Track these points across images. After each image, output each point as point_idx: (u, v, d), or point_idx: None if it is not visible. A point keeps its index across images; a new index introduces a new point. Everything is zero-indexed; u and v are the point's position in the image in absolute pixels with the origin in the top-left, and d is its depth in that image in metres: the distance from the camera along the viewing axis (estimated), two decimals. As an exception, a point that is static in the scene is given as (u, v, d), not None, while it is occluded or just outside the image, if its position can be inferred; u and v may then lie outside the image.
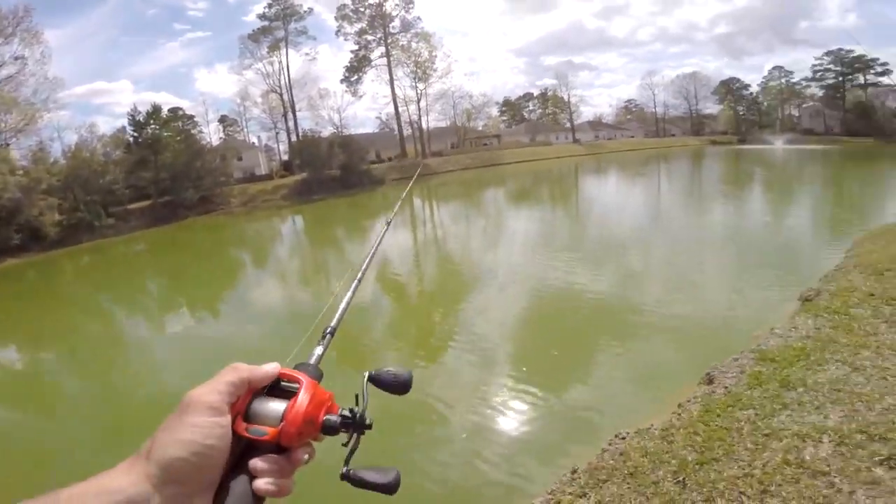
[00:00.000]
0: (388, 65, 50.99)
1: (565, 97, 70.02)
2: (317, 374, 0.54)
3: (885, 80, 59.39)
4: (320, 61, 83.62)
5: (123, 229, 28.54)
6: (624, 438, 3.17)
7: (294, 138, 48.27)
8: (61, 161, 30.46)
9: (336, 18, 51.33)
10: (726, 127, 71.60)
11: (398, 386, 0.55)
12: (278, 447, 0.46)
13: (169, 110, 35.63)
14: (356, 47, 51.86)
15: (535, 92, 78.16)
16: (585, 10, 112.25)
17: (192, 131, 36.65)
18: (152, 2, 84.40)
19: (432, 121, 58.23)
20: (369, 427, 0.51)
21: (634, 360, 5.26)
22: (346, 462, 0.49)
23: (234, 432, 0.45)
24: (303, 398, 0.47)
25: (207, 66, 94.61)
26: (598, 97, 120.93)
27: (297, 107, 50.57)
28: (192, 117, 47.81)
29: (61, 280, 19.26)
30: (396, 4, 50.87)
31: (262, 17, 49.35)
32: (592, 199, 23.09)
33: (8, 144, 33.45)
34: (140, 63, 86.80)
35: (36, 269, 21.76)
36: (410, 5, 51.37)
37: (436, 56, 52.70)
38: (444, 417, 4.65)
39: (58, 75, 36.97)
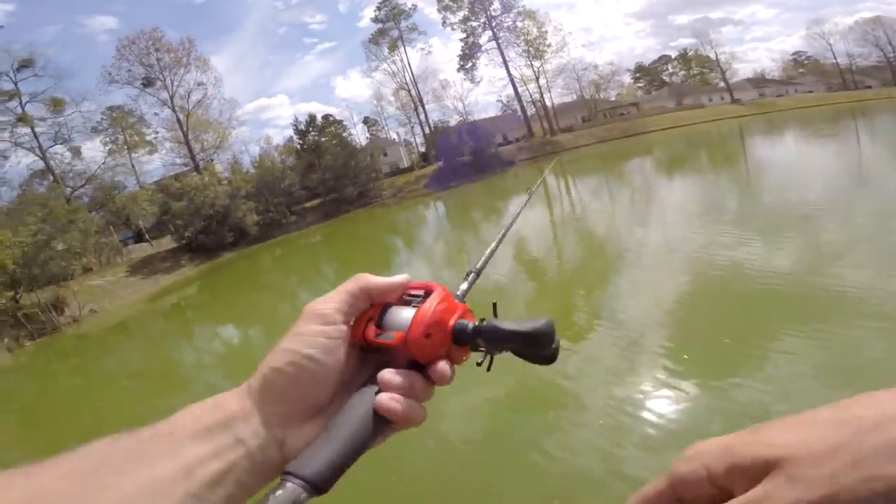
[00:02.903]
0: (499, 47, 50.50)
1: (712, 55, 60.76)
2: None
3: None
4: (435, 54, 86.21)
5: (302, 224, 34.30)
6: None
7: (427, 130, 51.01)
8: (251, 170, 37.19)
9: (438, 10, 52.39)
10: (947, 75, 54.32)
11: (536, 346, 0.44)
12: (415, 364, 0.42)
13: (322, 118, 40.65)
14: (464, 35, 52.43)
15: (673, 54, 69.45)
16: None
17: (344, 135, 41.41)
18: (279, 20, 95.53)
19: (556, 97, 56.17)
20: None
21: (827, 352, 4.28)
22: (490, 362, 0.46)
23: (365, 342, 0.42)
24: (432, 300, 0.43)
25: (341, 73, 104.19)
26: (754, 52, 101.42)
27: (424, 100, 53.30)
28: (341, 122, 53.69)
29: (262, 268, 23.64)
30: None
31: (374, 20, 52.84)
32: (766, 161, 19.73)
33: (212, 160, 41.99)
34: (289, 77, 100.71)
35: (244, 259, 27.21)
36: None
37: (546, 32, 50.95)
38: (582, 405, 4.41)
39: (233, 96, 44.60)
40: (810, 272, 6.40)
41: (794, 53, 69.35)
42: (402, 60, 52.70)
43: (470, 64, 52.94)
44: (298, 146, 39.59)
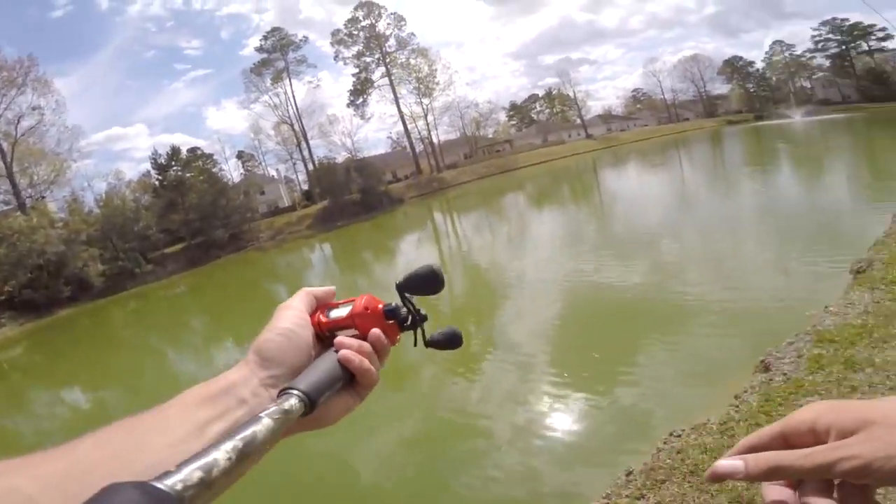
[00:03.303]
0: (391, 84, 51.79)
1: (571, 94, 69.70)
2: None
3: (889, 44, 57.63)
4: (324, 88, 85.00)
5: (162, 274, 29.75)
6: (679, 436, 3.09)
7: (311, 167, 49.29)
8: (95, 210, 31.91)
9: (332, 44, 52.57)
10: (740, 105, 70.25)
11: (429, 282, 0.57)
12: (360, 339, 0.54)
13: (188, 150, 37.03)
14: (357, 70, 52.88)
15: (540, 93, 78.12)
16: (573, 4, 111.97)
17: (213, 170, 37.90)
18: (148, 43, 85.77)
19: (442, 134, 58.77)
20: (426, 319, 0.58)
21: (682, 354, 5.08)
22: (424, 336, 0.58)
23: (319, 329, 0.55)
24: (363, 297, 0.57)
25: (215, 103, 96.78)
26: (604, 90, 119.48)
27: (308, 135, 51.65)
28: (210, 156, 47.95)
29: (113, 325, 20.39)
30: (388, 24, 51.90)
31: (259, 49, 50.80)
32: (614, 192, 22.79)
33: (43, 197, 35.40)
34: (151, 106, 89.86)
35: (88, 316, 23.09)
36: (402, 23, 52.35)
37: (436, 70, 53.57)
38: (487, 431, 4.63)
39: (76, 124, 38.30)
40: (657, 289, 7.38)
41: (633, 90, 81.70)
42: (286, 93, 50.68)
43: (361, 99, 52.99)
44: (157, 182, 35.32)
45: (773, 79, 70.31)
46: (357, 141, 62.82)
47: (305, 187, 51.22)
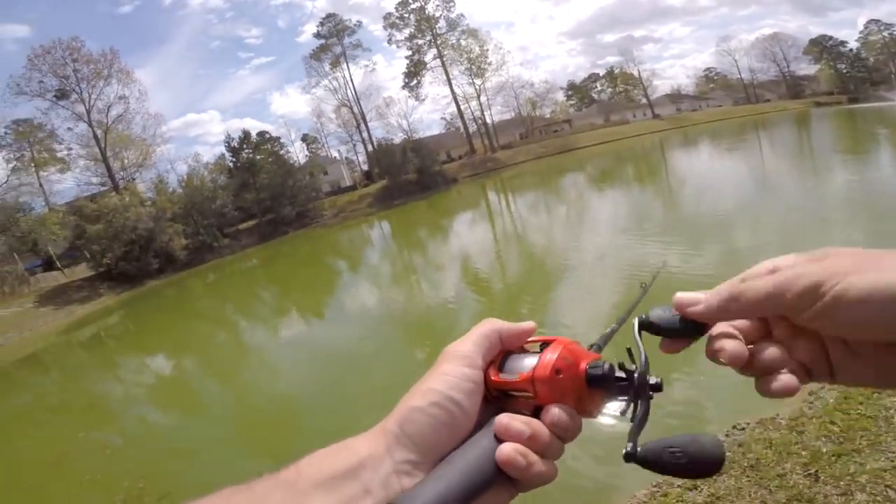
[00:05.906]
0: (443, 65, 51.60)
1: (635, 73, 65.74)
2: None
3: None
4: (379, 71, 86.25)
5: (236, 248, 32.33)
6: (743, 429, 3.06)
7: (370, 148, 50.52)
8: (178, 190, 34.82)
9: (384, 27, 53.08)
10: (829, 87, 63.16)
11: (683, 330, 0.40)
12: (540, 413, 0.38)
13: (257, 134, 39.04)
14: (409, 53, 53.12)
15: (601, 72, 74.38)
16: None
17: (281, 152, 39.93)
18: (213, 34, 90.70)
19: (496, 114, 57.92)
20: (658, 388, 0.38)
21: None
22: (632, 436, 0.37)
23: (486, 386, 0.40)
24: (557, 347, 0.39)
25: (278, 89, 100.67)
26: (672, 69, 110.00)
27: (367, 117, 52.74)
28: (278, 139, 50.29)
29: (193, 295, 22.38)
30: (437, 5, 51.45)
31: (317, 35, 52.15)
32: (685, 174, 21.47)
33: (133, 179, 38.79)
34: (221, 93, 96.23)
35: (172, 287, 25.40)
36: (451, 4, 51.74)
37: (487, 50, 52.79)
38: None
39: (158, 112, 41.49)
40: (726, 273, 6.93)
41: (705, 70, 75.71)
42: (344, 77, 52.03)
43: (415, 81, 53.44)
44: (231, 164, 37.68)
45: (871, 59, 62.61)
46: (412, 122, 63.36)
47: (365, 168, 52.68)
